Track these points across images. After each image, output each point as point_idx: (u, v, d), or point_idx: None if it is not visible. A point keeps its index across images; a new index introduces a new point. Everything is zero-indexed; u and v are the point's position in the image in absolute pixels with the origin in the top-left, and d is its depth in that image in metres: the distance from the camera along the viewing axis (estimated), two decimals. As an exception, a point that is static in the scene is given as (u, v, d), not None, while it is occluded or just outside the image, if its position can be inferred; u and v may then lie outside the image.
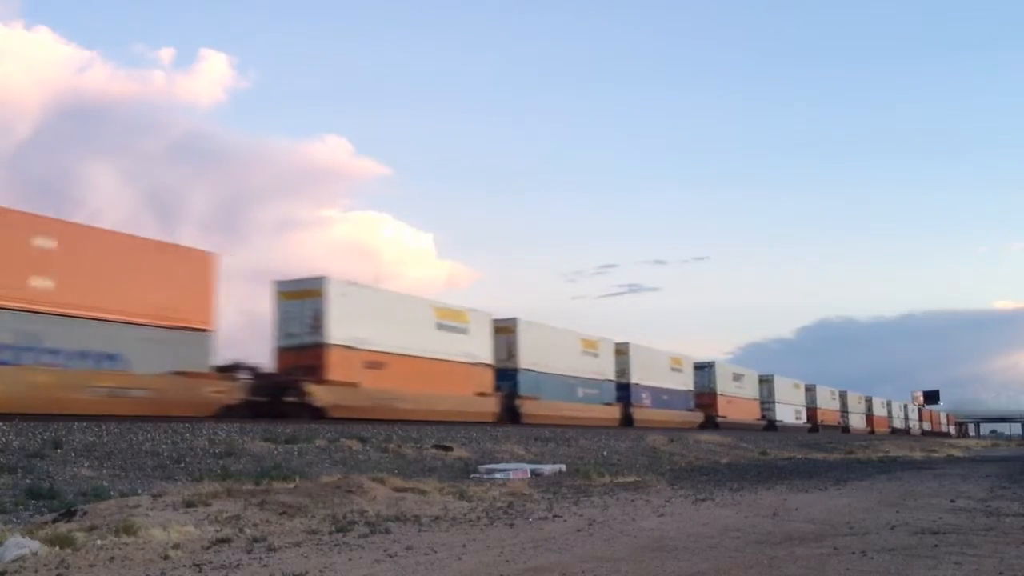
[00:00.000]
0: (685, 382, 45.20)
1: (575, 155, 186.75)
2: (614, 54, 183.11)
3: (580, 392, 35.36)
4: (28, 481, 10.67)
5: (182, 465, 13.44)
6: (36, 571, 6.34)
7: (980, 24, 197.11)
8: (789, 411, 59.66)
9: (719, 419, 46.65)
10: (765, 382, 56.75)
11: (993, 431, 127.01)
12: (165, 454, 14.01)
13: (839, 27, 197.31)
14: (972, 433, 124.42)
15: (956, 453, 40.88)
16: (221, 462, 14.00)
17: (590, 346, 37.02)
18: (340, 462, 15.65)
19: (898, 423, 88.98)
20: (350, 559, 7.04)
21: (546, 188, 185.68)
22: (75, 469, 11.96)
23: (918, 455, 36.10)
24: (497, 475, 15.40)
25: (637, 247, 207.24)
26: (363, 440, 18.22)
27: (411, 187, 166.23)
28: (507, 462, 18.49)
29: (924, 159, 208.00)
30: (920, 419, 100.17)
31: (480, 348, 29.30)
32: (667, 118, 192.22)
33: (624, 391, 38.76)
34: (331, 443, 17.29)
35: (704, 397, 47.47)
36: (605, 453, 23.51)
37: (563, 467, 18.25)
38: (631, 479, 16.42)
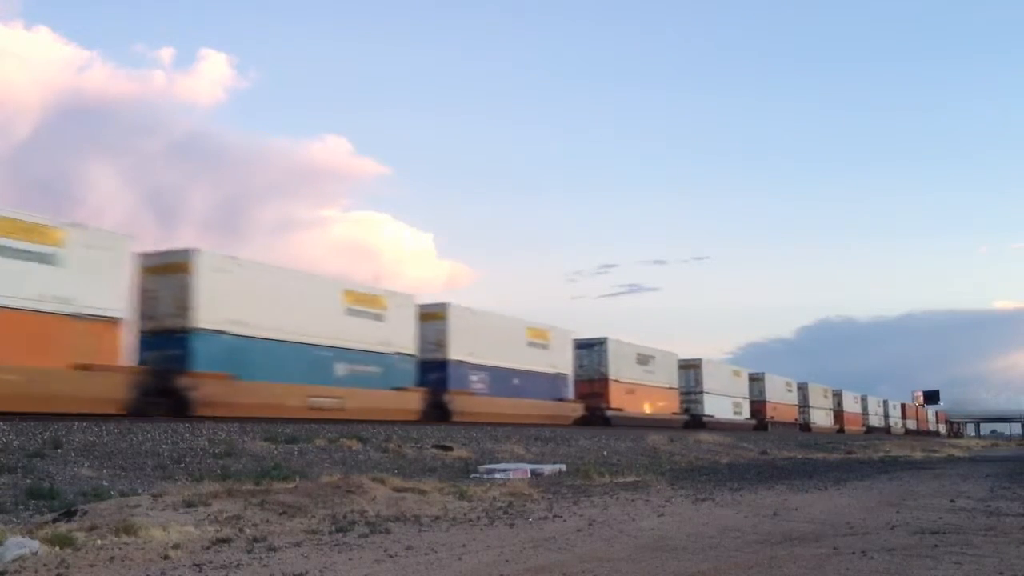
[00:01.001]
0: (553, 363, 33.56)
1: (575, 155, 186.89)
2: (614, 54, 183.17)
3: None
4: (28, 481, 10.67)
5: (182, 465, 13.44)
6: (36, 571, 6.34)
7: (980, 24, 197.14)
8: (724, 404, 49.28)
9: (611, 413, 36.68)
10: (690, 367, 46.99)
11: (993, 431, 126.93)
12: (165, 454, 14.01)
13: (839, 27, 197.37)
14: (972, 433, 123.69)
15: (956, 453, 40.88)
16: (221, 462, 14.00)
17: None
18: (340, 462, 15.65)
19: (876, 421, 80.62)
20: (350, 559, 7.04)
21: (546, 188, 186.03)
22: (75, 469, 11.95)
23: (918, 455, 36.08)
24: (497, 475, 15.40)
25: (637, 247, 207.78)
26: (363, 440, 18.23)
27: (411, 187, 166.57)
28: (507, 462, 18.49)
29: (924, 159, 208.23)
30: (904, 417, 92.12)
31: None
32: (667, 118, 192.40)
33: (437, 371, 27.81)
34: (331, 443, 17.29)
35: (591, 385, 37.17)
36: (605, 453, 23.51)
37: (563, 467, 18.25)
38: (631, 479, 16.42)
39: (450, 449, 19.17)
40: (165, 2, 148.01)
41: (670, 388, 43.98)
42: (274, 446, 16.05)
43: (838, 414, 69.90)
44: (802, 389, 63.58)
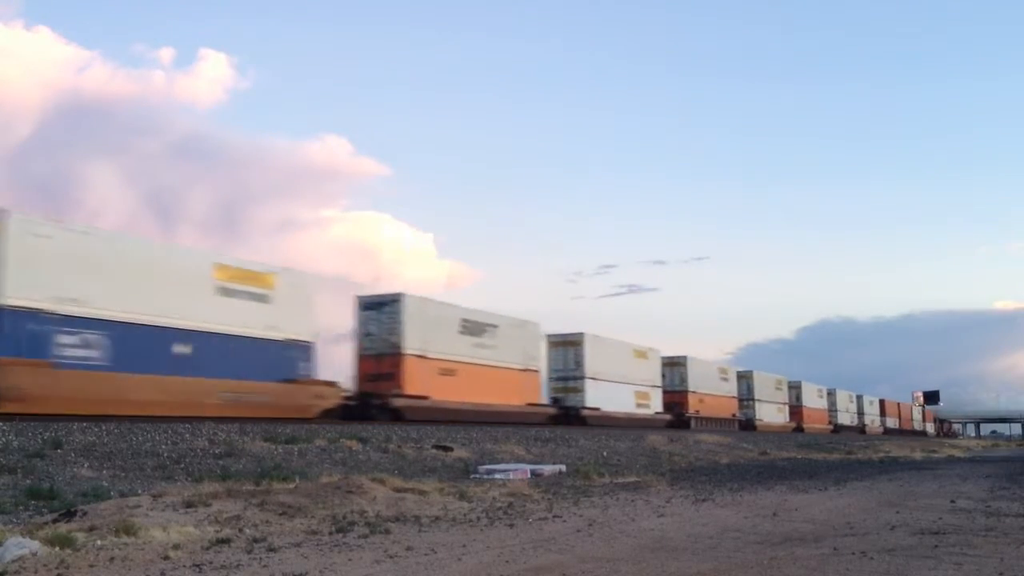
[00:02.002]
0: (278, 323, 22.17)
1: (575, 155, 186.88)
2: (614, 54, 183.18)
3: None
4: (28, 481, 10.67)
5: (182, 465, 13.44)
6: (36, 571, 6.34)
7: (981, 24, 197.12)
8: (619, 394, 37.75)
9: (405, 402, 25.88)
10: (568, 344, 35.71)
11: (993, 431, 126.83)
12: (165, 454, 14.01)
13: (840, 27, 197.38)
14: (972, 433, 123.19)
15: (956, 454, 40.88)
16: (221, 462, 14.00)
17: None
18: (340, 462, 15.65)
19: (847, 418, 72.07)
20: (350, 559, 7.04)
21: (546, 188, 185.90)
22: (75, 469, 11.95)
23: (918, 455, 36.09)
24: (497, 475, 15.40)
25: (637, 247, 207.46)
26: (363, 440, 18.23)
27: (411, 187, 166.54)
28: (507, 462, 18.49)
29: (924, 159, 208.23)
30: (883, 414, 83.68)
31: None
32: (667, 118, 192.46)
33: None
34: (331, 443, 17.29)
35: (378, 362, 26.38)
36: (605, 453, 23.51)
37: (563, 467, 18.25)
38: (631, 479, 16.42)
39: (450, 449, 19.17)
40: (165, 2, 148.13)
41: (525, 370, 32.08)
42: (274, 446, 16.05)
43: (795, 410, 60.00)
44: (745, 379, 53.67)
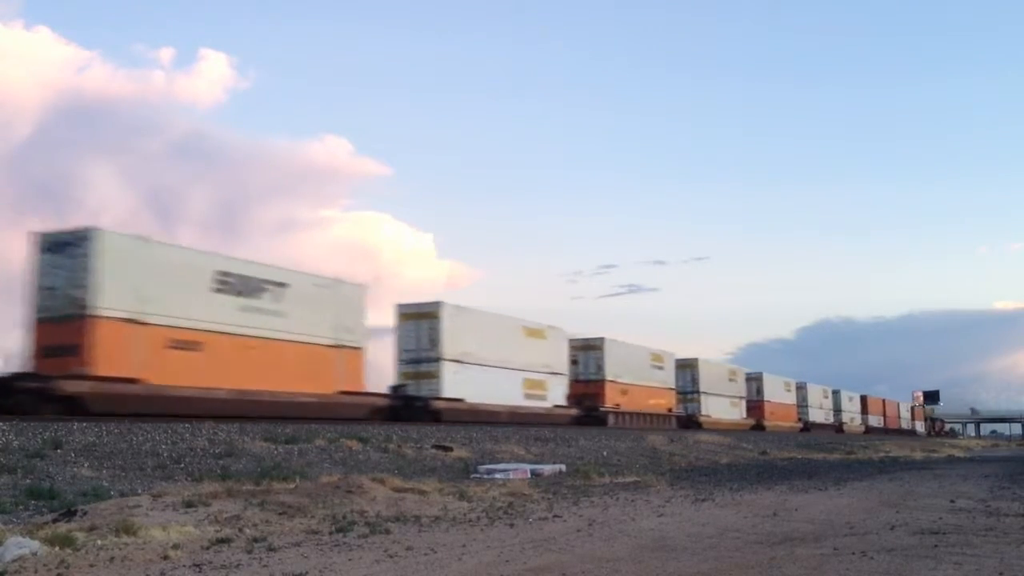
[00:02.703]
0: None
1: (575, 155, 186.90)
2: (614, 54, 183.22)
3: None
4: (28, 481, 10.67)
5: (182, 465, 13.43)
6: (36, 571, 6.34)
7: (981, 24, 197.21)
8: (501, 382, 30.97)
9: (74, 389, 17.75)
10: (424, 317, 28.50)
11: (993, 431, 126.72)
12: (165, 454, 14.01)
13: (840, 27, 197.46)
14: (971, 433, 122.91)
15: (956, 453, 40.88)
16: (221, 462, 14.00)
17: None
18: (340, 462, 15.65)
19: (820, 415, 64.07)
20: (350, 559, 7.04)
21: (546, 188, 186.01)
22: (75, 469, 11.95)
23: (918, 456, 36.10)
24: (497, 475, 15.40)
25: (637, 247, 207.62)
26: (363, 440, 18.22)
27: (411, 187, 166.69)
28: (507, 462, 18.49)
29: (924, 159, 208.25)
30: (864, 411, 76.20)
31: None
32: (667, 118, 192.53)
33: None
34: (331, 443, 17.29)
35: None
36: (605, 453, 23.51)
37: (563, 467, 18.25)
38: (631, 479, 16.42)
39: (450, 449, 19.17)
40: (165, 2, 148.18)
41: (338, 347, 24.24)
42: (274, 446, 16.04)
43: (755, 405, 52.34)
44: (688, 368, 46.03)
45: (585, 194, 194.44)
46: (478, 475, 15.72)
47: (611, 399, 38.29)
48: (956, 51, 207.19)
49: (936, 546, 8.01)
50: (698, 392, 47.07)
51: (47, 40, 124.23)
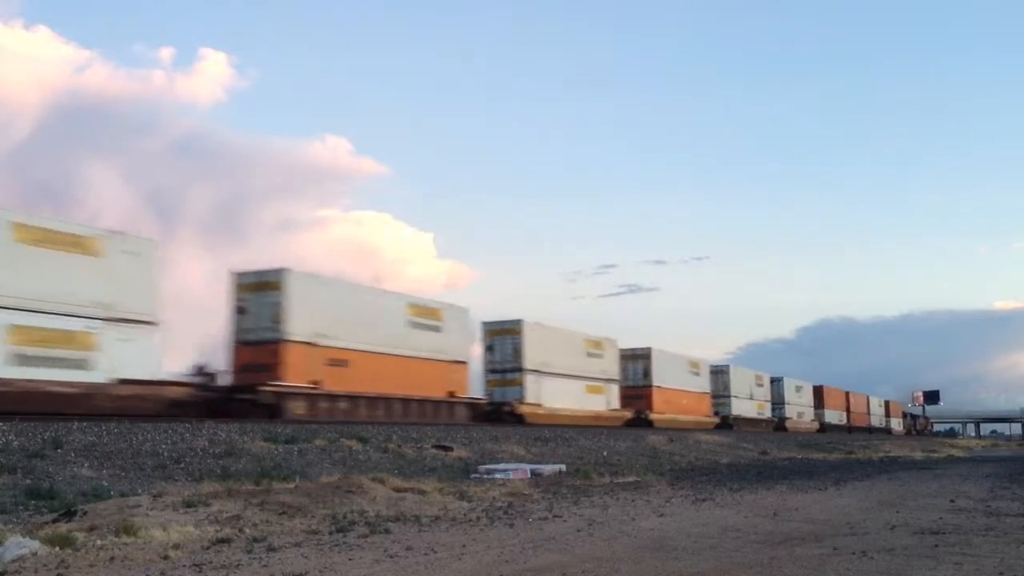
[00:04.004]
0: None
1: (575, 155, 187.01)
2: (614, 54, 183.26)
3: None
4: (28, 481, 10.67)
5: (182, 465, 13.44)
6: (36, 571, 6.34)
7: (980, 24, 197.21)
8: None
9: None
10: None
11: (993, 431, 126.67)
12: (165, 454, 14.01)
13: (839, 27, 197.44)
14: (972, 433, 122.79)
15: (956, 453, 40.91)
16: (221, 462, 14.00)
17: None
18: (340, 462, 15.65)
19: (749, 408, 52.98)
20: (350, 559, 7.04)
21: (546, 188, 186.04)
22: (75, 469, 11.95)
23: (918, 455, 36.13)
24: (497, 475, 15.40)
25: (637, 247, 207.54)
26: (363, 440, 18.23)
27: (411, 187, 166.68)
28: (507, 462, 18.49)
29: (924, 159, 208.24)
30: (820, 406, 64.83)
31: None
32: (667, 118, 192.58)
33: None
34: (331, 443, 17.29)
35: None
36: (605, 453, 23.51)
37: (563, 467, 18.25)
38: (631, 479, 16.42)
39: (450, 449, 19.17)
40: (165, 2, 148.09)
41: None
42: (274, 446, 16.04)
43: (640, 392, 40.56)
44: (509, 336, 32.71)
45: (585, 194, 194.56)
46: (478, 475, 15.72)
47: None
48: (957, 49, 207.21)
49: (936, 546, 8.01)
50: (522, 370, 34.42)
51: (47, 40, 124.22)
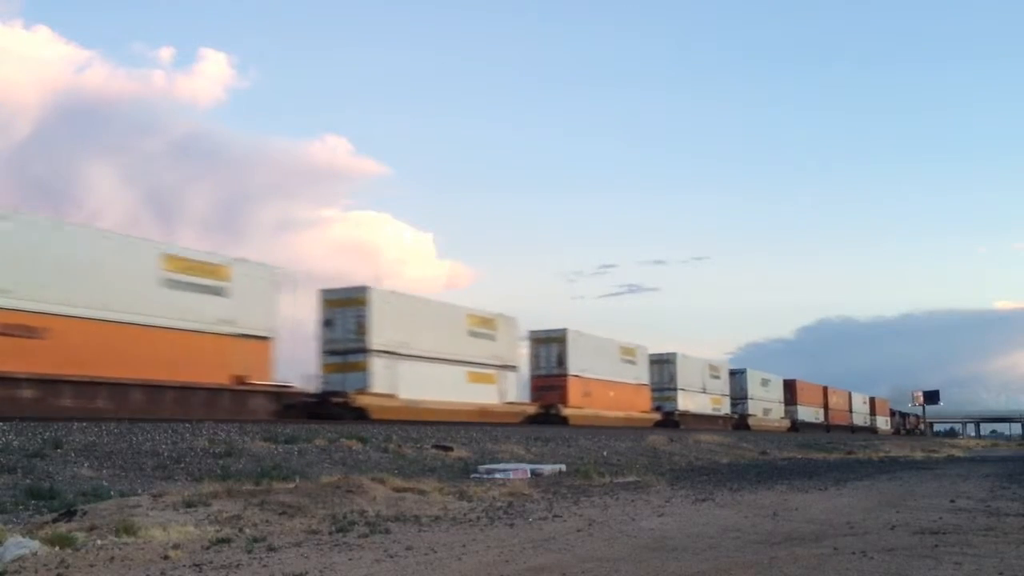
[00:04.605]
0: None
1: (575, 155, 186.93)
2: (614, 55, 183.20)
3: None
4: (28, 481, 10.67)
5: (182, 465, 13.44)
6: (36, 571, 6.34)
7: (980, 25, 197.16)
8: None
9: None
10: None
11: (993, 431, 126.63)
12: (165, 454, 14.01)
13: (839, 28, 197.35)
14: (972, 433, 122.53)
15: (956, 453, 40.91)
16: (221, 462, 14.00)
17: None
18: (340, 462, 15.65)
19: (701, 404, 46.66)
20: (350, 559, 7.04)
21: (546, 188, 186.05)
22: (75, 469, 11.95)
23: (918, 455, 36.15)
24: (497, 475, 15.40)
25: (637, 247, 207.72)
26: (363, 440, 18.23)
27: (411, 187, 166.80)
28: (507, 462, 18.49)
29: (924, 159, 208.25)
30: (792, 402, 58.60)
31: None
32: (667, 119, 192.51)
33: None
34: (331, 443, 17.29)
35: None
36: (605, 453, 23.51)
37: (563, 467, 18.25)
38: (631, 479, 16.42)
39: (450, 449, 19.17)
40: (165, 2, 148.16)
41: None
42: (274, 446, 16.05)
43: (555, 381, 35.23)
44: (383, 304, 27.09)
45: (585, 194, 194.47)
46: (478, 475, 15.72)
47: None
48: (958, 49, 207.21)
49: (936, 546, 8.01)
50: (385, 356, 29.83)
51: (47, 40, 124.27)
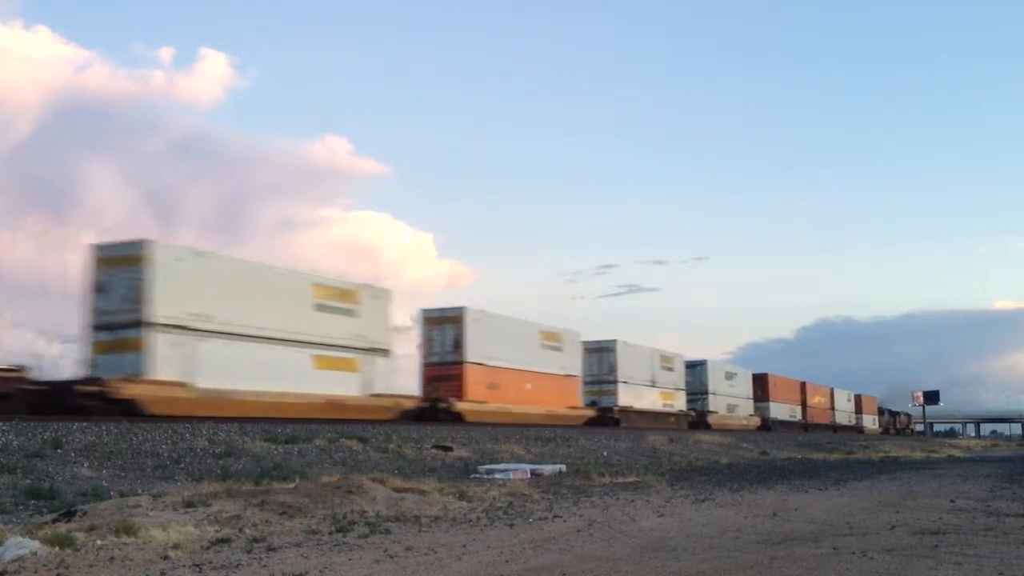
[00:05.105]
0: None
1: (575, 155, 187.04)
2: (614, 55, 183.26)
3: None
4: (28, 481, 10.67)
5: (182, 465, 13.44)
6: (36, 571, 6.34)
7: (980, 25, 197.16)
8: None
9: None
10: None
11: (993, 431, 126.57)
12: (165, 454, 14.01)
13: (839, 28, 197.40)
14: (972, 433, 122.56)
15: (956, 453, 40.90)
16: (221, 462, 14.00)
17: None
18: (340, 462, 15.65)
19: (653, 401, 40.76)
20: (350, 559, 7.04)
21: (546, 188, 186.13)
22: (75, 469, 11.95)
23: (918, 455, 36.15)
24: (497, 475, 15.40)
25: (637, 247, 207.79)
26: (363, 440, 18.22)
27: (411, 187, 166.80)
28: (507, 462, 18.49)
29: (924, 159, 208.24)
30: (763, 398, 53.42)
31: None
32: (667, 118, 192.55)
33: None
34: (331, 443, 17.29)
35: None
36: (605, 453, 23.51)
37: (563, 467, 18.25)
38: (631, 479, 16.42)
39: (450, 449, 19.17)
40: (165, 2, 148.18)
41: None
42: (274, 446, 16.04)
43: (448, 369, 29.17)
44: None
45: (585, 194, 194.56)
46: (478, 475, 15.72)
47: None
48: (958, 49, 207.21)
49: (936, 546, 8.01)
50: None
51: (47, 40, 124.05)
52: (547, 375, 33.23)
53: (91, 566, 6.52)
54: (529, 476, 15.84)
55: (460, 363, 29.23)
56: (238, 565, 6.68)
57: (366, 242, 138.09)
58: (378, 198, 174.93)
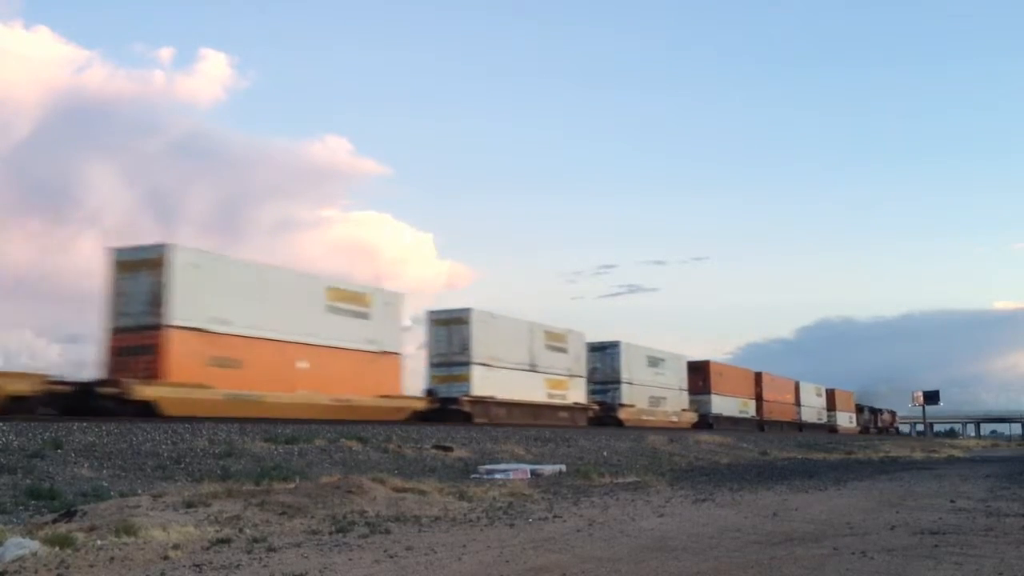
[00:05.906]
0: None
1: (575, 156, 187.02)
2: (614, 55, 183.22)
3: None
4: (28, 481, 10.67)
5: (182, 465, 13.44)
6: (36, 571, 6.34)
7: (980, 26, 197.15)
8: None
9: None
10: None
11: (993, 431, 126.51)
12: (165, 454, 14.01)
13: (838, 29, 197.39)
14: (972, 433, 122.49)
15: (956, 454, 40.90)
16: (221, 462, 14.00)
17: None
18: (340, 462, 15.65)
19: (561, 392, 33.85)
20: (350, 559, 7.04)
21: (546, 188, 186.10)
22: (75, 469, 11.95)
23: (918, 455, 36.15)
24: (497, 475, 15.40)
25: (636, 247, 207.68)
26: (363, 440, 18.23)
27: (411, 187, 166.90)
28: (507, 462, 18.49)
29: (924, 160, 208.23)
30: (704, 391, 47.49)
31: None
32: (667, 119, 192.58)
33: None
34: (331, 443, 17.29)
35: None
36: (605, 453, 23.51)
37: (563, 467, 18.25)
38: (631, 479, 16.41)
39: (450, 449, 19.17)
40: (165, 2, 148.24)
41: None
42: (274, 446, 16.04)
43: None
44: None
45: (585, 194, 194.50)
46: (478, 475, 15.72)
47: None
48: (958, 49, 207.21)
49: (936, 546, 8.01)
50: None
51: (47, 40, 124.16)
52: (340, 350, 24.38)
53: (91, 566, 6.52)
54: (529, 476, 15.84)
55: (157, 327, 19.68)
56: (238, 565, 6.68)
57: (366, 242, 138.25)
58: (378, 198, 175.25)
